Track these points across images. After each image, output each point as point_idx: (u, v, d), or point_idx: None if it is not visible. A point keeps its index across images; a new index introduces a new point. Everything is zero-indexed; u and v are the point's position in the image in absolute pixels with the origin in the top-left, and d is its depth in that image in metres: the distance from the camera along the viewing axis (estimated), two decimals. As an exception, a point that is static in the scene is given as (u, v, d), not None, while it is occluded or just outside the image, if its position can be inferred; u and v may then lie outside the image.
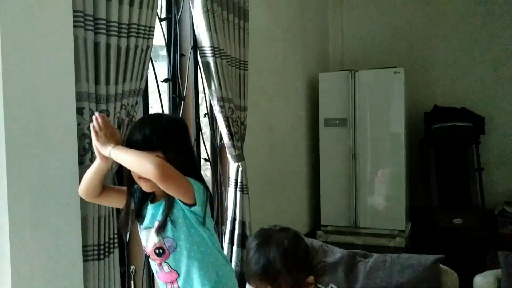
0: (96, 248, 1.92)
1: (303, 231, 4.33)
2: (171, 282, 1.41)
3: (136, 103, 2.02)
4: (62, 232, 1.77)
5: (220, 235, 3.14)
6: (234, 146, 2.92)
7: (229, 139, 2.89)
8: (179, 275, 1.39)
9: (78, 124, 1.80)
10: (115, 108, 1.89)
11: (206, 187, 1.40)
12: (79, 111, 1.80)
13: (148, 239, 1.41)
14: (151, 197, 1.44)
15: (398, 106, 4.31)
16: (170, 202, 1.36)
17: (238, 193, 3.05)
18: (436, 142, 4.71)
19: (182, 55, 2.77)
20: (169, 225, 1.38)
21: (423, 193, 4.79)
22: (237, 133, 2.97)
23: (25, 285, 1.59)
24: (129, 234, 2.38)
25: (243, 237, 3.10)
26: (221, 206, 3.19)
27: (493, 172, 4.96)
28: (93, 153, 1.87)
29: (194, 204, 1.36)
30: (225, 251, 3.20)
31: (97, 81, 1.82)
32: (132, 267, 2.45)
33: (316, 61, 5.00)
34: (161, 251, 1.39)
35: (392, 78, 4.30)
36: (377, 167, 4.44)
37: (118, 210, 2.18)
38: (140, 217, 1.43)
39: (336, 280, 1.83)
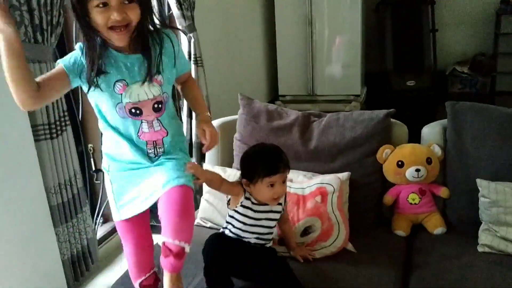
0: (47, 127, 1.87)
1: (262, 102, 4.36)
2: (155, 141, 1.34)
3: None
4: (6, 112, 1.69)
5: (179, 110, 3.12)
6: (183, 16, 2.76)
7: (178, 8, 2.71)
8: (167, 133, 1.35)
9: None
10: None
11: None
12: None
13: (141, 93, 1.28)
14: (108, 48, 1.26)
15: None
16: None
17: (192, 65, 2.97)
18: (392, 4, 4.63)
19: None
20: (165, 80, 1.31)
21: (379, 57, 4.82)
22: (186, 1, 2.78)
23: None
24: (81, 112, 2.32)
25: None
26: (176, 81, 3.11)
27: (446, 33, 4.99)
28: (26, 26, 1.72)
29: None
30: (184, 125, 3.22)
31: None
32: (89, 145, 2.44)
33: None
34: (160, 105, 1.31)
35: None
36: (334, 33, 4.37)
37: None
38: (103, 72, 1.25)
39: (291, 141, 1.88)
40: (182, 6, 2.73)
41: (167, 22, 2.94)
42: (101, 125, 1.37)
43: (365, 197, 1.82)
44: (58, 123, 1.92)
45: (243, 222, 1.50)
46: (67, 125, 1.97)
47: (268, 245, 1.55)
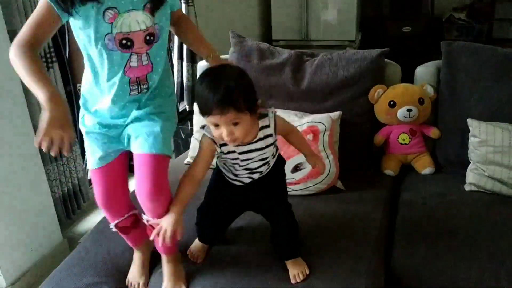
0: (32, 62, 1.82)
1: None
2: (139, 77, 1.23)
3: None
4: (-11, 46, 1.64)
5: (169, 52, 3.06)
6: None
7: None
8: (152, 69, 1.24)
9: None
10: None
11: None
12: None
13: (133, 23, 1.16)
14: None
15: None
16: None
17: (183, 5, 2.88)
18: None
19: None
20: (161, 9, 1.18)
21: (375, 2, 4.70)
22: None
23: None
24: (69, 50, 2.26)
25: (191, 52, 3.04)
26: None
27: (445, -23, 4.85)
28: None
29: None
30: (175, 67, 3.16)
31: None
32: (78, 85, 2.39)
33: None
34: (151, 37, 1.19)
35: None
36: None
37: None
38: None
39: (283, 80, 1.85)
40: None
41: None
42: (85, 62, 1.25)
43: (355, 136, 1.82)
44: (44, 59, 1.87)
45: (233, 167, 1.28)
46: (53, 62, 1.92)
47: (263, 174, 1.33)
